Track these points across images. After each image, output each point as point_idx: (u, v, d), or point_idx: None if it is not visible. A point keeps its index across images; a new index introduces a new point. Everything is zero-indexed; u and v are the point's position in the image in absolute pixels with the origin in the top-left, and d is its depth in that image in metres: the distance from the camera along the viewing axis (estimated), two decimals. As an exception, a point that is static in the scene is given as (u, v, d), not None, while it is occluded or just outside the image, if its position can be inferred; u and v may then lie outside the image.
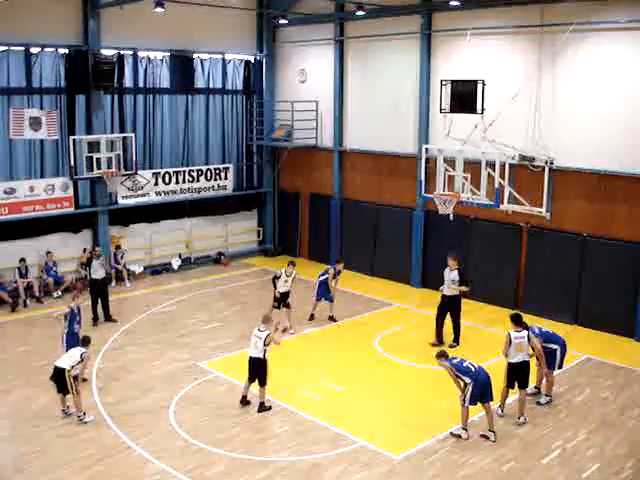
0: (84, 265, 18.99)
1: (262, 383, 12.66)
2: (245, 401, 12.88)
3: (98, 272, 17.39)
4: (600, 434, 11.95)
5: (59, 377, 12.27)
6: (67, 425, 12.17)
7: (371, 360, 15.29)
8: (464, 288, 15.79)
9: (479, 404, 11.77)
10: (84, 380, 13.32)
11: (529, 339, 12.35)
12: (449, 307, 15.86)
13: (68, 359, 12.39)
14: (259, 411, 12.64)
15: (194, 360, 15.03)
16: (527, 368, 12.27)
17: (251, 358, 12.71)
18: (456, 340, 15.98)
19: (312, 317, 17.70)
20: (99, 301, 17.45)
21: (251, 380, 12.80)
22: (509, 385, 12.39)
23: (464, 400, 11.66)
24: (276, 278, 16.97)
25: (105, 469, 10.80)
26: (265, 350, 12.54)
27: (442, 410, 12.74)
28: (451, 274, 15.66)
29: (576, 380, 14.15)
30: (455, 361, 11.80)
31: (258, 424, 12.31)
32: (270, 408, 12.74)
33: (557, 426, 12.23)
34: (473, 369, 11.65)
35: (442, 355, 11.90)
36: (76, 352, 12.48)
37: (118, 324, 17.31)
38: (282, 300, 16.88)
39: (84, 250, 20.28)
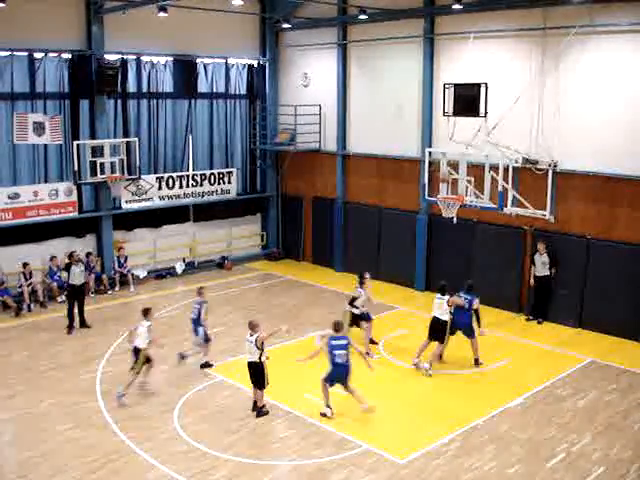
0: (62, 270, 18.67)
1: (260, 386, 12.64)
2: (255, 407, 12.82)
3: (77, 278, 17.16)
4: (605, 437, 11.91)
5: (136, 354, 13.35)
6: (71, 430, 12.18)
7: (375, 363, 15.22)
8: (554, 271, 17.50)
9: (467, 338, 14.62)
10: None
11: (449, 303, 14.56)
12: (542, 286, 17.64)
13: (143, 339, 13.34)
14: (257, 416, 12.61)
15: (198, 364, 15.01)
16: (441, 325, 14.49)
17: (249, 363, 12.72)
18: (542, 315, 17.86)
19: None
20: (75, 307, 17.23)
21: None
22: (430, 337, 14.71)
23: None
24: (354, 299, 15.83)
25: (109, 474, 10.80)
26: (261, 353, 12.55)
27: (446, 413, 12.74)
28: (542, 257, 17.47)
29: (581, 383, 14.11)
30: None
31: (262, 428, 12.30)
32: (268, 413, 12.71)
33: (562, 429, 12.20)
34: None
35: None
36: (142, 329, 13.35)
37: (121, 329, 17.28)
38: (357, 319, 15.80)
39: (69, 256, 18.94)
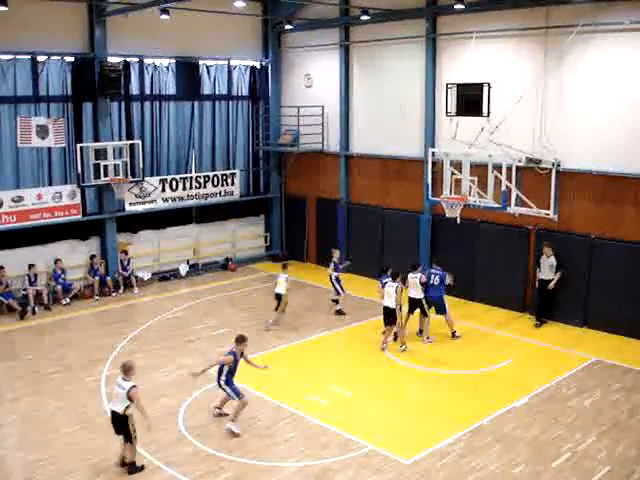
0: None
1: (128, 439, 10.83)
2: (123, 463, 10.92)
3: None
4: (610, 437, 11.89)
5: (277, 299, 17.48)
6: (76, 432, 12.20)
7: (380, 364, 15.26)
8: (559, 275, 17.18)
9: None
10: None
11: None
12: (546, 289, 17.36)
13: (283, 287, 17.22)
14: (130, 473, 10.73)
15: (203, 366, 14.99)
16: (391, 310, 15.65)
17: (112, 412, 10.89)
18: (548, 317, 17.85)
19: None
20: None
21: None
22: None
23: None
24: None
25: (115, 476, 10.80)
26: (128, 406, 10.62)
27: (451, 413, 12.73)
28: (548, 260, 17.27)
29: (586, 383, 14.10)
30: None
31: (267, 430, 12.29)
32: (143, 468, 10.91)
33: (567, 429, 12.18)
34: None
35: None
36: (282, 279, 17.29)
37: (125, 331, 17.33)
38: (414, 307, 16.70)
39: None
